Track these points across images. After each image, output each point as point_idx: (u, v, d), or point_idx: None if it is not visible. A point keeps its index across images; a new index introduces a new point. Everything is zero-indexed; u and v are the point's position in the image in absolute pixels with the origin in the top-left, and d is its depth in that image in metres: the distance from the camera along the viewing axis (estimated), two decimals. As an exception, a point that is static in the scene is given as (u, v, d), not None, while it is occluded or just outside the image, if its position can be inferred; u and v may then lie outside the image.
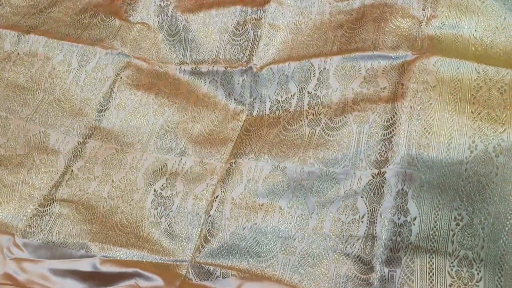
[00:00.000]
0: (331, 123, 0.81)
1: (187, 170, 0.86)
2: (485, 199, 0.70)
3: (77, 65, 1.00)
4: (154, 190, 0.86)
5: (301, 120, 0.84)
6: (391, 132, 0.75)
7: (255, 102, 0.91)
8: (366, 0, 0.90)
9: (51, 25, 1.08)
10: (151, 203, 0.85)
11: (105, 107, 0.95)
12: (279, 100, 0.89)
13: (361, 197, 0.74)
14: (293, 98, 0.87)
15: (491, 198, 0.70)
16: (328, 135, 0.80)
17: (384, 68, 0.82)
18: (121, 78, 0.97)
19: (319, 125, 0.82)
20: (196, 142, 0.89)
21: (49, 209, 0.85)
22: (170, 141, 0.90)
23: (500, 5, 0.82)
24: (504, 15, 0.82)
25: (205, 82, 0.97)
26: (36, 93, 0.99)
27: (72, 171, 0.89)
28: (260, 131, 0.86)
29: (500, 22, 0.82)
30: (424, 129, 0.73)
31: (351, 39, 0.88)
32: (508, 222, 0.68)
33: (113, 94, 0.96)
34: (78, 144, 0.92)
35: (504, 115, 0.72)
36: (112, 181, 0.87)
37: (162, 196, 0.85)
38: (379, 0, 0.89)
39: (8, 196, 0.86)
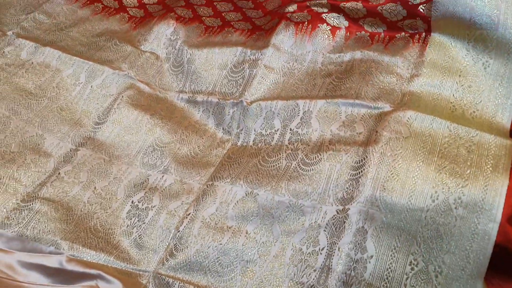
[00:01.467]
0: (307, 159, 0.85)
1: (166, 187, 0.90)
2: (442, 248, 0.72)
3: (85, 80, 1.07)
4: (132, 202, 0.89)
5: (280, 154, 0.88)
6: (359, 173, 0.79)
7: (241, 133, 0.96)
8: (356, 55, 0.97)
9: (68, 42, 1.16)
10: (127, 213, 0.88)
11: (102, 120, 1.01)
12: (263, 134, 0.93)
13: (324, 230, 0.77)
14: (276, 133, 0.92)
15: (448, 248, 0.72)
16: (302, 170, 0.84)
17: (362, 115, 0.87)
18: (122, 96, 1.03)
19: (296, 160, 0.86)
20: (180, 163, 0.93)
21: (30, 205, 0.88)
22: (156, 159, 0.94)
23: (480, 68, 0.87)
24: (484, 78, 0.87)
25: (198, 110, 1.02)
26: (41, 100, 1.05)
27: (59, 173, 0.93)
28: (240, 159, 0.91)
29: (481, 85, 0.87)
30: (391, 174, 0.77)
31: (337, 87, 0.93)
32: (462, 274, 0.70)
33: (112, 110, 1.02)
34: (71, 150, 0.97)
35: (468, 171, 0.75)
36: (95, 188, 0.91)
37: (138, 208, 0.88)
38: (367, 56, 0.95)
39: (-6, 188, 0.91)
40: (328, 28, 1.02)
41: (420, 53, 0.92)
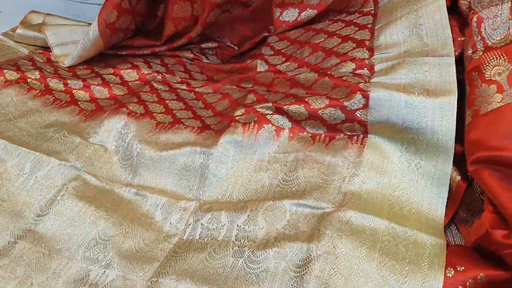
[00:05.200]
0: (253, 256, 0.86)
1: (107, 283, 0.87)
2: None
3: (29, 171, 1.06)
4: (70, 299, 0.86)
5: (226, 250, 0.89)
6: (303, 271, 0.80)
7: (187, 228, 0.96)
8: (299, 156, 1.02)
9: (15, 132, 1.16)
10: None
11: (44, 212, 0.99)
12: (209, 228, 0.94)
13: None
14: (222, 228, 0.93)
15: None
16: (249, 268, 0.85)
17: (306, 215, 0.90)
18: (67, 188, 1.02)
19: (243, 257, 0.87)
20: (123, 257, 0.91)
21: None
22: (98, 253, 0.92)
23: (413, 169, 0.94)
24: (417, 178, 0.94)
25: (146, 204, 1.02)
26: None
27: None
28: (186, 254, 0.90)
29: (414, 184, 0.93)
30: (334, 271, 0.79)
31: (284, 190, 0.97)
32: None
33: (55, 201, 1.00)
34: (8, 243, 0.93)
35: (407, 268, 0.79)
36: (31, 283, 0.87)
37: None
38: (310, 157, 1.01)
39: None
40: (273, 129, 1.08)
41: (359, 154, 0.98)
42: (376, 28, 1.21)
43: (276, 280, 0.82)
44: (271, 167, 1.03)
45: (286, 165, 1.02)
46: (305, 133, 1.07)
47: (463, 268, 0.79)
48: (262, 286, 0.82)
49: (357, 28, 1.25)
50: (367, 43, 1.19)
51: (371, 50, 1.16)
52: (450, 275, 0.78)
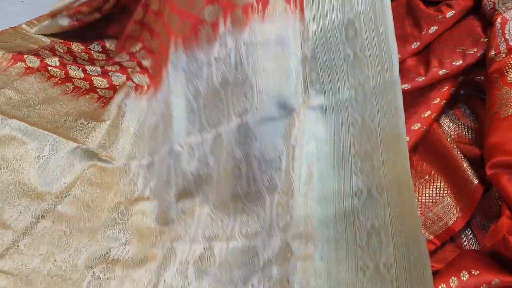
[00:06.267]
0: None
1: (128, 257, 0.89)
2: (382, 243, 0.71)
3: (48, 153, 1.07)
4: (93, 273, 0.88)
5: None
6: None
7: None
8: None
9: (35, 119, 1.17)
10: (88, 283, 0.87)
11: (64, 194, 1.00)
12: None
13: (275, 264, 0.78)
14: None
15: (387, 242, 0.71)
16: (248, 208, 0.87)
17: None
18: (86, 173, 1.04)
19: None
20: (143, 234, 0.93)
21: None
22: (118, 232, 0.94)
23: None
24: None
25: None
26: (3, 171, 1.03)
27: (18, 246, 0.91)
28: (193, 211, 0.93)
29: None
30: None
31: None
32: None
33: (75, 185, 1.01)
34: (30, 223, 0.95)
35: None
36: (55, 260, 0.89)
37: (100, 278, 0.88)
38: None
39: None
40: None
41: None
42: None
43: (273, 214, 0.83)
44: None
45: None
46: None
47: (478, 272, 0.79)
48: (263, 224, 0.83)
49: None
50: None
51: None
52: (465, 279, 0.78)
